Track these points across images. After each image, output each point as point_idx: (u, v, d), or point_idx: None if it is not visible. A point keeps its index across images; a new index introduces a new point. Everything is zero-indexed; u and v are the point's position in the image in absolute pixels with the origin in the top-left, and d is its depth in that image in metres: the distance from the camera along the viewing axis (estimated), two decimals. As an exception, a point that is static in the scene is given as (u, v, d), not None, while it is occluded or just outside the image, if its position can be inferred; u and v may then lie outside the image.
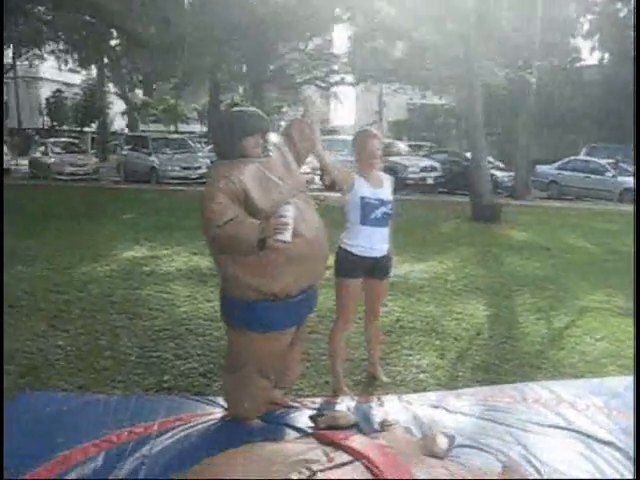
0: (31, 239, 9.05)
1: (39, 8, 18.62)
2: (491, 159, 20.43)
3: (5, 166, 21.48)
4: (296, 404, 3.72)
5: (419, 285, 7.06)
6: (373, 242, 3.89)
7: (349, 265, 3.88)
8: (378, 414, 3.58)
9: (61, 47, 23.64)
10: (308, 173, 15.31)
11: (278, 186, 3.23)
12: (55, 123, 39.03)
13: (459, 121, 32.13)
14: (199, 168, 19.70)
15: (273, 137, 3.59)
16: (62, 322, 5.21)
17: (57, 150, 22.01)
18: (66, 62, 25.94)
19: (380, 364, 4.41)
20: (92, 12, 16.42)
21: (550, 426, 3.42)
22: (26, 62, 31.29)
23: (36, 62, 32.36)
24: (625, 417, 3.57)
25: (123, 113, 39.80)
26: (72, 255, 8.03)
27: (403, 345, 4.99)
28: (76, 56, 24.11)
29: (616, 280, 7.41)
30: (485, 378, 4.31)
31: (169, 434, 3.22)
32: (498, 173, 19.35)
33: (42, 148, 22.36)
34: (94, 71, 35.51)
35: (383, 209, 3.90)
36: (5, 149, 22.31)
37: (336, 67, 24.30)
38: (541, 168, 20.42)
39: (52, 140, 23.84)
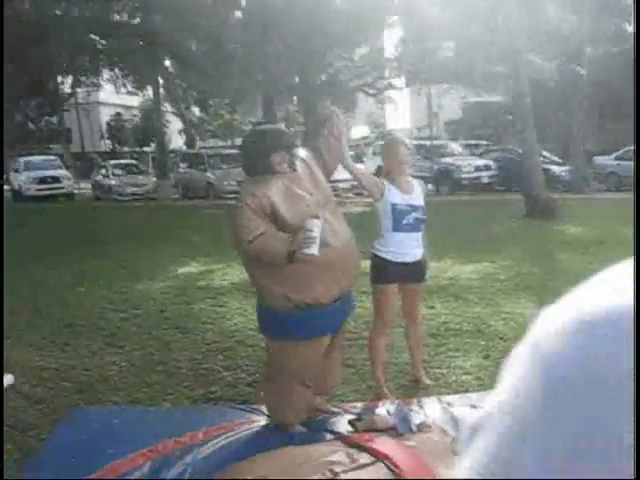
0: (93, 260, 9.41)
1: (92, 37, 19.29)
2: (547, 154, 20.12)
3: (69, 190, 22.33)
4: (337, 410, 3.81)
5: (468, 286, 7.05)
6: (406, 247, 3.95)
7: (383, 271, 3.96)
8: (416, 416, 3.63)
9: (117, 72, 24.38)
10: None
11: (305, 199, 3.34)
12: (116, 145, 40.23)
13: (514, 117, 31.67)
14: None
15: (301, 152, 3.72)
16: (117, 339, 5.43)
17: (117, 172, 22.73)
18: (124, 86, 26.74)
19: (424, 367, 4.45)
20: (142, 37, 16.91)
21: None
22: (85, 90, 32.36)
23: (94, 89, 33.42)
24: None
25: (180, 131, 40.75)
26: (130, 274, 8.32)
27: (448, 347, 5.01)
28: (131, 80, 24.81)
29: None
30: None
31: (213, 442, 3.35)
32: (554, 167, 19.00)
33: (103, 171, 23.13)
34: (151, 92, 36.52)
35: (414, 214, 3.96)
36: (69, 174, 23.16)
37: (386, 72, 24.29)
38: (599, 159, 19.93)
39: (112, 162, 24.63)
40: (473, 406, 3.77)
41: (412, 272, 4.02)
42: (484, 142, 29.49)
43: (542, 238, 10.20)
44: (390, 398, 3.99)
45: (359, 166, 4.09)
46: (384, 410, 3.77)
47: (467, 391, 4.14)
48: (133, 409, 3.90)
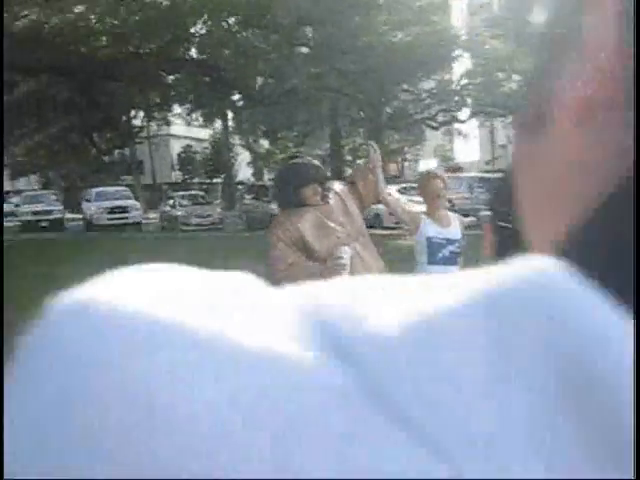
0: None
1: (162, 73, 20.01)
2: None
3: (137, 220, 23.03)
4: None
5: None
6: (442, 281, 3.94)
7: (419, 305, 3.95)
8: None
9: (186, 107, 25.17)
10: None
11: (335, 231, 3.38)
12: (186, 177, 41.35)
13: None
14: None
15: (335, 184, 3.78)
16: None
17: (184, 202, 23.28)
18: (191, 120, 27.58)
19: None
20: (209, 72, 17.45)
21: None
22: (157, 123, 33.49)
23: (169, 121, 34.58)
24: None
25: (249, 163, 41.62)
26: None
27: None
28: (200, 114, 25.58)
29: None
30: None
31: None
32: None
33: (171, 201, 23.75)
34: (221, 125, 37.53)
35: (450, 248, 3.95)
36: (137, 204, 23.93)
37: (452, 104, 24.35)
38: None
39: (180, 193, 25.27)
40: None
41: (449, 306, 4.00)
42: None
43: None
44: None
45: (397, 198, 4.11)
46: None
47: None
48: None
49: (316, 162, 3.62)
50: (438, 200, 3.98)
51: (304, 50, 19.09)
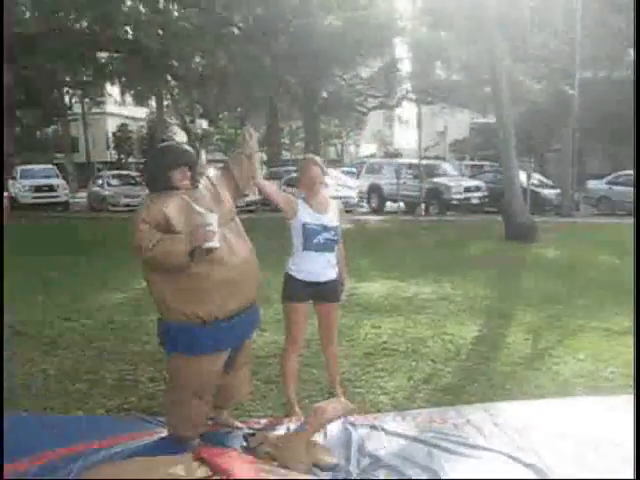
0: (62, 269, 9.51)
1: (96, 52, 19.51)
2: (539, 176, 20.18)
3: (64, 199, 22.54)
4: (241, 425, 3.85)
5: (422, 307, 7.09)
6: (316, 267, 4.00)
7: (293, 289, 4.02)
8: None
9: (119, 86, 24.67)
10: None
11: (204, 215, 3.41)
12: (122, 156, 40.55)
13: (520, 139, 31.76)
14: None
15: (209, 169, 3.80)
16: (56, 347, 5.52)
17: (114, 182, 22.90)
18: (123, 100, 27.01)
19: (345, 386, 4.50)
20: (138, 52, 17.12)
21: (473, 447, 3.46)
22: (90, 101, 32.72)
23: (101, 99, 33.83)
24: (555, 440, 3.57)
25: (186, 144, 41.06)
26: (95, 284, 8.40)
27: (377, 367, 5.05)
28: (132, 94, 25.10)
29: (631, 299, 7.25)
30: (442, 400, 4.34)
31: (104, 451, 3.40)
32: (545, 191, 19.10)
33: (99, 181, 23.31)
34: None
35: (326, 235, 4.01)
36: (65, 183, 23.40)
37: (384, 90, 24.44)
38: (592, 183, 19.98)
39: (110, 173, 24.85)
40: (374, 427, 3.81)
41: (324, 292, 4.07)
42: (487, 163, 29.60)
43: (514, 261, 10.24)
44: (299, 416, 4.03)
45: (270, 184, 4.15)
46: (285, 427, 3.81)
47: (379, 411, 4.17)
48: (38, 417, 3.97)
49: (186, 146, 3.63)
50: (315, 186, 4.04)
51: (236, 31, 18.88)
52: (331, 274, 4.09)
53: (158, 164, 3.50)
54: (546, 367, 4.99)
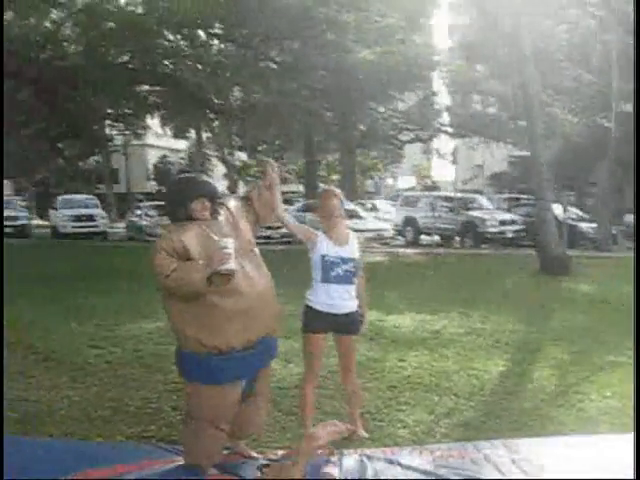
0: (96, 296, 9.67)
1: (138, 87, 19.93)
2: (576, 210, 19.97)
3: (102, 229, 22.97)
4: (257, 455, 3.86)
5: (450, 340, 7.04)
6: (335, 299, 4.02)
7: (312, 321, 4.04)
8: (325, 467, 3.66)
9: (160, 118, 25.17)
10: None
11: (220, 239, 3.45)
12: (161, 187, 41.23)
13: (557, 173, 31.50)
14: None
15: (230, 200, 3.86)
16: (82, 374, 5.59)
17: (152, 213, 23.25)
18: (164, 132, 27.56)
19: (364, 418, 4.48)
20: (177, 85, 17.47)
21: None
22: (131, 133, 33.40)
23: (141, 131, 34.52)
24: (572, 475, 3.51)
25: (225, 175, 41.59)
26: (127, 312, 8.51)
27: (399, 401, 5.02)
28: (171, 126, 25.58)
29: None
30: (462, 435, 4.29)
31: (119, 478, 3.44)
32: (582, 224, 18.87)
33: (138, 212, 23.71)
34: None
35: (344, 267, 4.03)
36: (104, 213, 23.90)
37: (420, 124, 24.56)
38: (630, 217, 19.67)
39: (149, 204, 25.27)
40: (390, 461, 3.79)
41: (343, 324, 4.08)
42: (525, 196, 29.36)
43: (546, 295, 10.11)
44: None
45: (290, 216, 4.19)
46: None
47: (397, 445, 4.14)
48: (59, 442, 4.03)
49: (204, 177, 3.70)
50: (334, 218, 4.07)
51: (273, 66, 19.17)
52: (350, 306, 4.10)
53: (178, 195, 3.58)
54: (570, 404, 4.90)
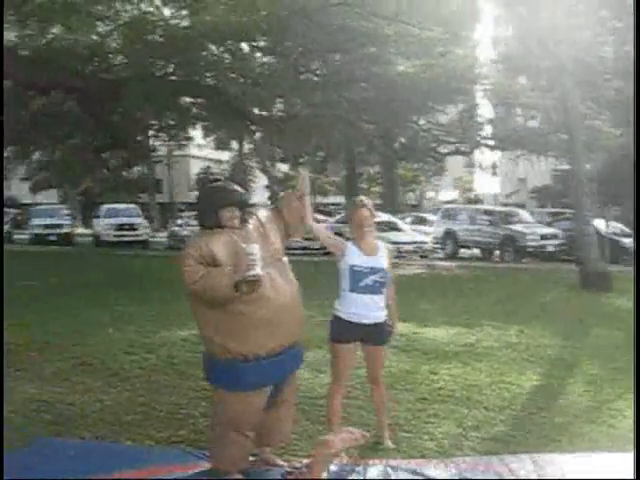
0: (135, 304, 9.84)
1: (181, 98, 20.20)
2: (621, 225, 19.61)
3: (143, 237, 23.30)
4: (282, 463, 3.88)
5: (483, 354, 6.98)
6: (363, 309, 4.04)
7: (339, 330, 4.06)
8: (345, 476, 3.67)
9: (202, 130, 25.47)
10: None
11: (246, 246, 3.50)
12: (203, 197, 41.78)
13: (600, 187, 31.02)
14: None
15: (260, 210, 3.92)
16: (117, 380, 5.69)
17: (194, 223, 23.49)
18: (207, 143, 27.89)
19: (392, 429, 4.47)
20: (218, 97, 17.68)
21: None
22: (175, 144, 33.96)
23: (184, 142, 35.06)
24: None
25: (267, 186, 41.90)
26: (164, 320, 8.63)
27: (428, 413, 4.99)
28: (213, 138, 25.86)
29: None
30: (490, 448, 4.25)
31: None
32: (624, 239, 18.51)
33: (180, 221, 24.03)
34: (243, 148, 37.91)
35: (373, 277, 4.04)
36: (145, 222, 24.26)
37: (460, 137, 24.37)
38: (676, 233, 19.21)
39: (188, 214, 25.58)
40: (414, 472, 3.78)
41: (370, 334, 4.09)
42: (568, 211, 28.93)
43: (585, 310, 9.93)
44: (341, 456, 4.03)
45: (320, 226, 4.21)
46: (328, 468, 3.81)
47: (423, 457, 4.12)
48: (91, 444, 4.12)
49: (235, 186, 3.76)
50: (364, 228, 4.09)
51: (313, 78, 19.27)
52: (378, 316, 4.11)
53: (208, 203, 3.65)
54: (602, 420, 4.82)
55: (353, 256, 4.05)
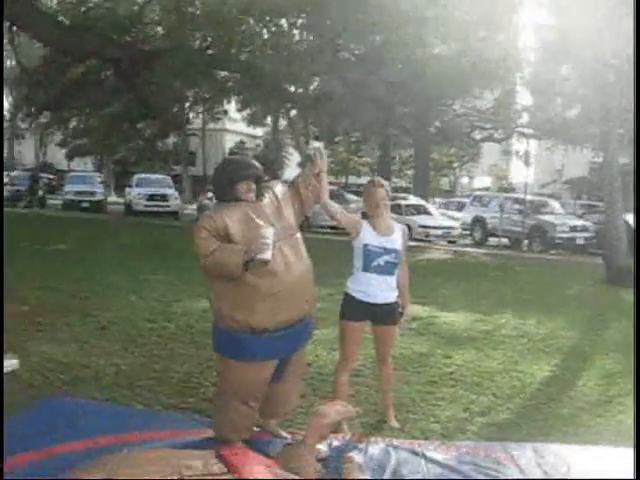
0: (162, 273, 10.00)
1: (216, 72, 20.27)
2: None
3: (174, 209, 23.46)
4: (286, 435, 3.95)
5: (499, 341, 6.98)
6: (374, 289, 4.06)
7: (349, 308, 4.10)
8: (346, 451, 3.73)
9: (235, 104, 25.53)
10: None
11: (261, 228, 3.55)
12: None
13: (601, 180, 30.44)
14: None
15: (276, 185, 3.95)
16: (134, 346, 5.81)
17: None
18: (242, 117, 27.92)
19: (397, 410, 4.51)
20: (247, 72, 17.70)
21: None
22: (210, 116, 34.07)
23: (220, 116, 35.17)
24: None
25: (299, 164, 41.93)
26: (187, 290, 8.74)
27: (436, 396, 5.02)
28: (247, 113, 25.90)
29: None
30: (494, 435, 4.28)
31: (148, 444, 3.59)
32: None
33: (209, 194, 24.15)
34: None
35: (386, 257, 4.06)
36: (176, 193, 24.41)
37: (496, 123, 24.18)
38: None
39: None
40: (414, 452, 3.82)
41: (380, 314, 4.12)
42: (601, 204, 28.52)
43: (608, 304, 9.84)
44: (345, 433, 4.09)
45: (334, 204, 4.23)
46: (328, 442, 3.87)
47: (426, 439, 4.16)
48: (102, 405, 4.23)
49: (251, 160, 3.80)
50: (379, 208, 4.10)
51: (350, 58, 19.19)
52: (389, 297, 4.14)
53: (224, 176, 3.69)
54: (611, 415, 4.81)
55: (367, 235, 4.07)
